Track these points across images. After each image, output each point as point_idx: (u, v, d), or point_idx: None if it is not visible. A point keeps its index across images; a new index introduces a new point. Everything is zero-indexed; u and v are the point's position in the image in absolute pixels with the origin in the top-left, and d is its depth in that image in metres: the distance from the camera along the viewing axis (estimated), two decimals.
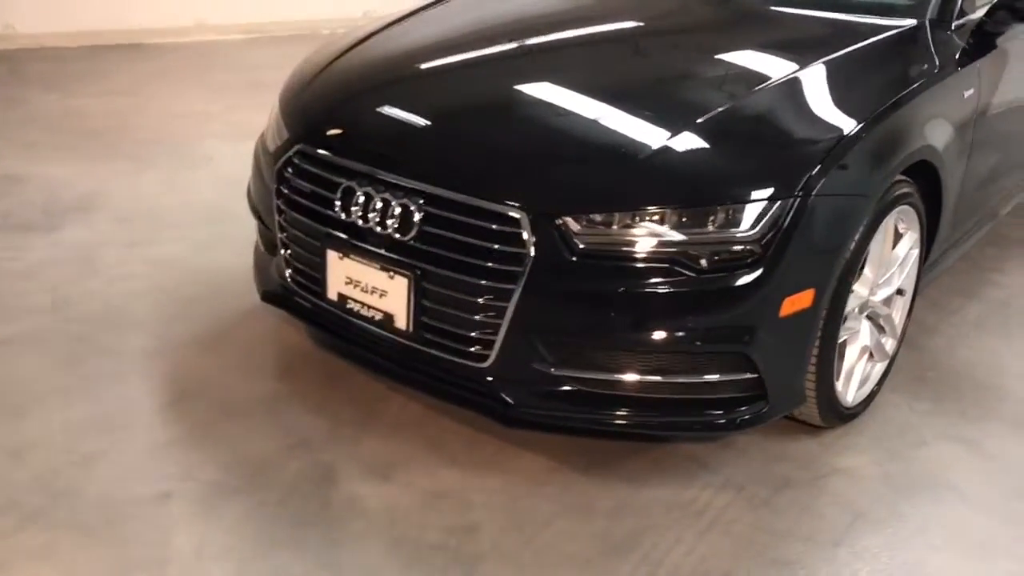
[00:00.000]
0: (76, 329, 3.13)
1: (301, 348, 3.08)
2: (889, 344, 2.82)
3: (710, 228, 2.23)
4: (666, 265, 2.21)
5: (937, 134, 2.67)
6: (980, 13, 3.02)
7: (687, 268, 2.21)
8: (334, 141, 2.61)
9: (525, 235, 2.22)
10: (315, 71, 2.94)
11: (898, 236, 2.70)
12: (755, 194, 2.24)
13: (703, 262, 2.21)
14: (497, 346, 2.31)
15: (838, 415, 2.66)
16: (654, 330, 2.24)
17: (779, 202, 2.23)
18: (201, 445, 2.60)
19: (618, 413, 2.35)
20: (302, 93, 2.86)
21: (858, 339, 2.67)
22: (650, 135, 2.37)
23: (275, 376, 2.94)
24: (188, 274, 3.54)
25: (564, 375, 2.32)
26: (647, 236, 2.22)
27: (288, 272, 2.72)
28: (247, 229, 3.86)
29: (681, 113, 2.47)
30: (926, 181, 2.70)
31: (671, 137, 2.34)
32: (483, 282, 2.28)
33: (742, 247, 2.22)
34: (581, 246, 2.22)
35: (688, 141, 2.34)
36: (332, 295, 2.57)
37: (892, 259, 2.70)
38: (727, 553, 2.27)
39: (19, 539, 2.24)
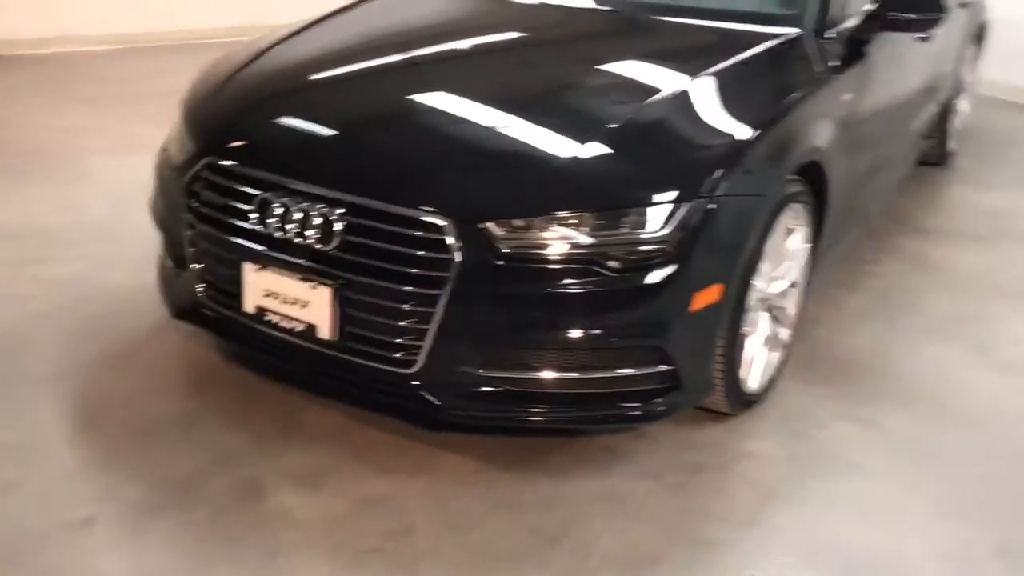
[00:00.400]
0: None
1: (211, 364, 3.04)
2: (784, 334, 3.00)
3: (624, 230, 2.33)
4: (585, 266, 2.30)
5: (823, 136, 2.86)
6: (852, 23, 3.24)
7: (605, 268, 2.31)
8: (247, 153, 2.61)
9: (450, 241, 2.28)
10: (220, 81, 2.92)
11: (789, 232, 2.88)
12: (664, 197, 2.36)
13: (619, 262, 2.32)
14: (424, 351, 2.36)
15: (742, 402, 2.82)
16: (576, 328, 2.33)
17: (687, 204, 2.36)
18: (120, 466, 2.55)
19: (543, 410, 2.43)
20: (208, 104, 2.84)
21: (758, 330, 2.83)
22: (562, 143, 2.46)
23: (188, 393, 2.90)
24: (86, 293, 3.44)
25: (491, 376, 2.39)
26: (565, 239, 2.31)
27: (200, 287, 2.70)
28: (142, 246, 3.80)
29: (590, 122, 2.58)
30: (812, 180, 2.89)
31: (583, 145, 2.44)
32: (409, 288, 2.33)
33: (654, 247, 2.33)
34: (505, 250, 2.29)
35: (599, 149, 2.44)
36: (249, 308, 2.57)
37: (786, 254, 2.88)
38: (652, 537, 2.38)
39: None
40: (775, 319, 2.93)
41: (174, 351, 3.11)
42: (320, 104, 2.78)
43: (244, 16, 7.58)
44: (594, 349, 2.38)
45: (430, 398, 2.42)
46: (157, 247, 3.23)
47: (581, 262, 2.31)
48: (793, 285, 2.99)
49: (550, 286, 2.30)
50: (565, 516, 2.44)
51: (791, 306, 3.01)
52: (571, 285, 2.30)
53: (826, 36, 3.12)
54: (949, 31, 4.12)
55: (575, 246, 2.31)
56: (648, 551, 2.34)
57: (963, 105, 5.38)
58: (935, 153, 5.12)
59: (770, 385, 2.97)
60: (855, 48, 3.21)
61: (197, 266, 2.68)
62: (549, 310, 2.32)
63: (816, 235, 3.06)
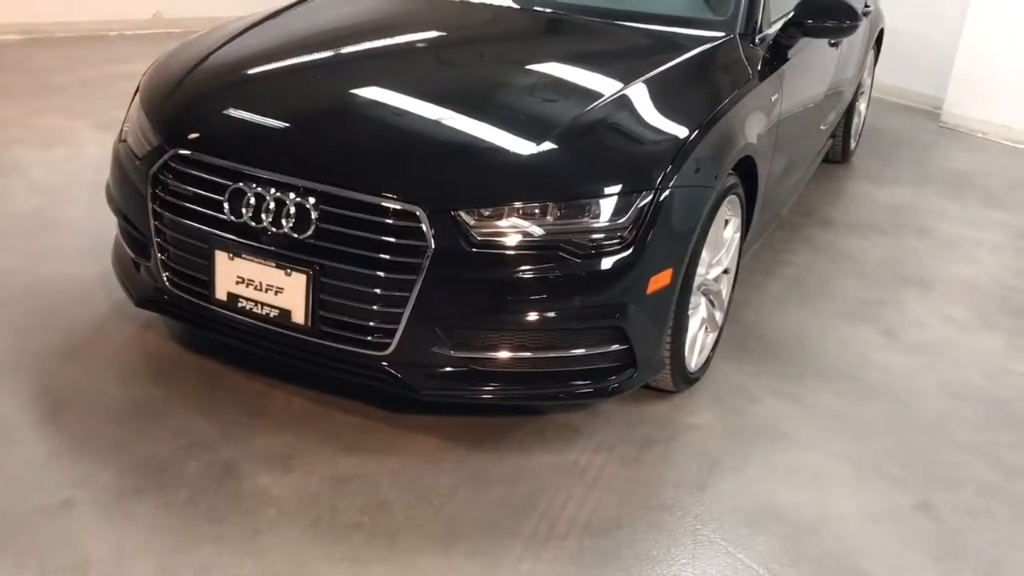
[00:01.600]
0: None
1: (169, 352, 3.08)
2: (718, 316, 3.22)
3: (586, 218, 2.51)
4: (552, 252, 2.47)
5: (755, 133, 3.09)
6: (776, 28, 3.50)
7: (570, 254, 2.48)
8: (216, 143, 2.67)
9: (425, 228, 2.41)
10: (182, 73, 2.97)
11: (726, 223, 3.10)
12: (622, 188, 2.54)
13: (582, 249, 2.49)
14: (398, 334, 2.48)
15: (685, 380, 3.03)
16: (543, 310, 2.49)
17: (643, 194, 2.54)
18: (91, 453, 2.58)
19: (504, 388, 2.59)
20: (172, 96, 2.88)
21: (698, 312, 3.04)
22: (522, 138, 2.61)
23: (149, 381, 2.93)
24: (29, 286, 3.42)
25: (462, 356, 2.52)
26: (534, 227, 2.46)
27: (166, 275, 2.75)
28: (79, 237, 3.81)
29: (545, 118, 2.74)
30: (743, 175, 3.12)
31: (546, 139, 2.60)
32: (384, 275, 2.44)
33: (614, 234, 2.51)
34: (476, 237, 2.43)
35: (561, 143, 2.61)
36: (221, 295, 2.64)
37: (722, 242, 3.10)
38: (613, 504, 2.56)
39: None
40: (711, 303, 3.15)
41: (129, 340, 3.13)
42: (289, 94, 2.87)
43: (164, 5, 7.48)
44: (558, 330, 2.54)
45: (402, 378, 2.54)
46: (106, 241, 3.26)
47: (547, 248, 2.47)
48: (726, 271, 3.22)
49: (519, 271, 2.45)
50: (531, 488, 2.59)
51: (725, 291, 3.24)
52: (538, 270, 2.46)
53: (753, 40, 3.36)
54: (853, 37, 4.43)
55: (541, 234, 2.47)
56: (610, 516, 2.51)
57: (862, 107, 5.76)
58: (838, 151, 5.48)
59: (707, 364, 3.19)
60: (779, 52, 3.46)
61: (163, 255, 2.73)
62: (518, 293, 2.47)
63: (745, 225, 3.29)
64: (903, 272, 4.26)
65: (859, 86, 5.40)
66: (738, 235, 3.21)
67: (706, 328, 3.14)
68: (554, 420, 2.89)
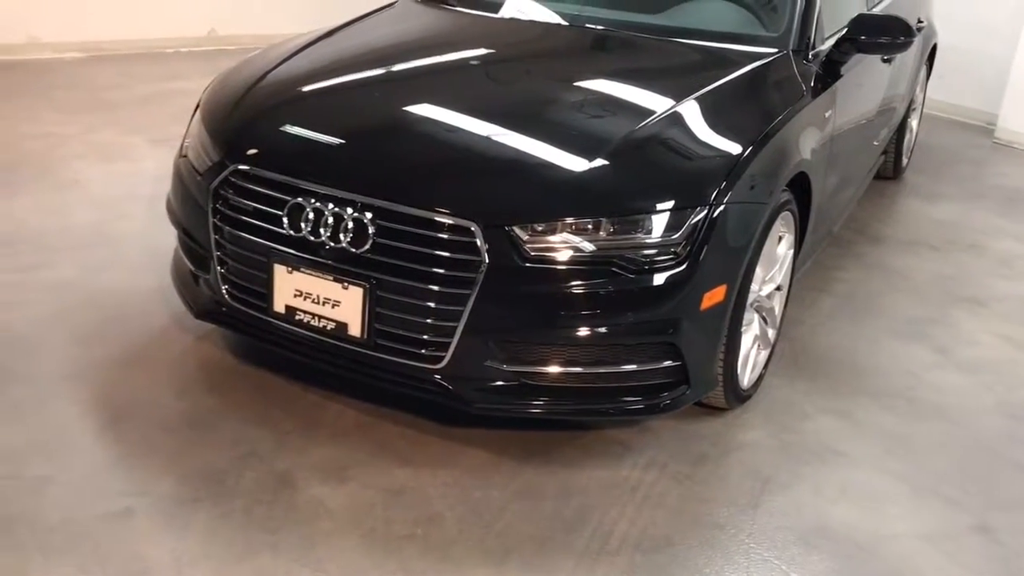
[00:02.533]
0: None
1: (225, 363, 3.14)
2: (771, 333, 3.21)
3: (639, 234, 2.52)
4: (605, 267, 2.48)
5: (809, 149, 3.08)
6: (829, 44, 3.49)
7: (623, 270, 2.49)
8: (276, 161, 2.72)
9: (479, 243, 2.44)
10: (241, 90, 3.03)
11: (779, 239, 3.09)
12: (676, 203, 2.55)
13: (635, 264, 2.50)
14: (452, 348, 2.51)
15: (737, 397, 3.01)
16: (596, 326, 2.50)
17: (697, 210, 2.55)
18: (149, 462, 2.64)
19: (555, 403, 2.60)
20: (232, 113, 2.94)
21: (751, 329, 3.03)
22: (575, 155, 2.63)
23: (205, 391, 2.99)
24: (88, 297, 3.50)
25: (513, 370, 2.54)
26: (587, 243, 2.48)
27: (226, 288, 2.80)
28: (136, 250, 3.89)
29: (598, 135, 2.76)
30: (797, 191, 3.11)
31: (599, 155, 2.62)
32: (438, 288, 2.47)
33: (668, 250, 2.52)
34: (531, 252, 2.45)
35: (613, 160, 2.63)
36: (279, 308, 2.68)
37: (775, 259, 3.09)
38: (664, 521, 2.56)
39: None
40: (764, 320, 3.14)
41: (186, 351, 3.20)
42: (345, 112, 2.93)
43: (203, 26, 7.64)
44: (610, 345, 2.55)
45: (454, 391, 2.56)
46: (164, 255, 3.33)
47: (600, 264, 2.48)
48: (779, 288, 3.20)
49: (571, 286, 2.47)
50: (582, 504, 2.60)
51: (778, 307, 3.23)
52: (591, 285, 2.47)
53: (806, 57, 3.35)
54: (906, 53, 4.40)
55: (594, 249, 2.48)
56: (662, 534, 2.51)
57: (914, 123, 5.70)
58: (889, 167, 5.42)
59: (759, 381, 3.17)
60: (832, 68, 3.45)
61: (222, 268, 2.79)
62: (570, 308, 2.49)
63: (798, 242, 3.28)
64: (955, 290, 4.20)
65: (911, 102, 5.35)
66: (791, 252, 3.20)
67: (759, 345, 3.13)
68: (603, 435, 2.89)
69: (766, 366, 3.22)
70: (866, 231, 4.81)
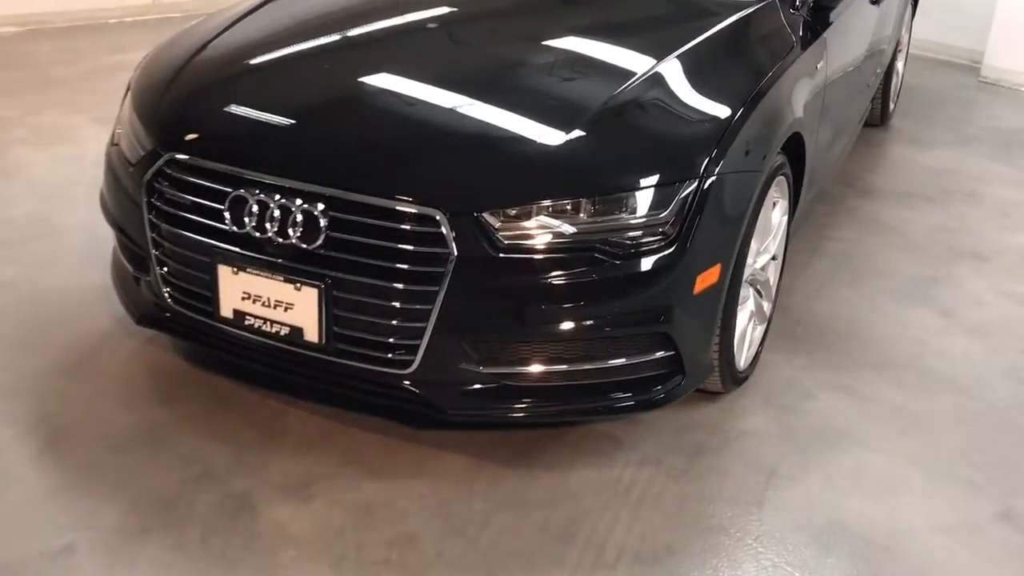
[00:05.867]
0: None
1: (175, 368, 2.87)
2: (766, 307, 2.97)
3: (624, 214, 2.26)
4: (587, 254, 2.22)
5: (802, 106, 2.82)
6: None
7: (607, 255, 2.23)
8: (213, 147, 2.44)
9: (446, 234, 2.17)
10: (173, 70, 2.72)
11: (773, 206, 2.84)
12: (662, 177, 2.29)
13: (621, 248, 2.24)
14: (421, 350, 2.25)
15: (734, 379, 2.78)
16: (581, 318, 2.25)
17: (686, 183, 2.29)
18: (93, 488, 2.38)
19: (540, 404, 2.36)
20: (164, 95, 2.64)
21: (746, 306, 2.80)
22: (546, 128, 2.36)
23: (155, 402, 2.72)
24: (30, 297, 3.21)
25: (492, 372, 2.29)
26: (567, 226, 2.22)
27: (167, 291, 2.53)
28: (80, 243, 3.59)
29: (570, 104, 2.49)
30: (790, 152, 2.85)
31: (574, 127, 2.34)
32: (403, 286, 2.21)
33: (655, 230, 2.26)
34: (504, 241, 2.19)
35: (591, 131, 2.36)
36: (226, 312, 2.41)
37: (770, 227, 2.84)
38: (663, 526, 2.33)
39: None
40: (759, 293, 2.90)
41: (133, 356, 2.92)
42: (291, 88, 2.62)
43: None
44: (597, 339, 2.30)
45: (427, 397, 2.32)
46: (109, 247, 3.04)
47: (581, 250, 2.23)
48: (774, 258, 2.96)
49: (552, 276, 2.21)
50: (572, 511, 2.37)
51: (772, 279, 2.99)
52: (573, 274, 2.22)
53: (793, 5, 3.07)
54: None
55: (575, 233, 2.23)
56: (662, 541, 2.29)
57: (900, 65, 5.44)
58: (876, 114, 5.17)
59: (755, 360, 2.94)
60: (821, 15, 3.18)
61: (162, 269, 2.51)
62: (551, 301, 2.24)
63: (792, 206, 3.03)
64: (955, 244, 3.98)
65: (897, 43, 5.08)
66: (785, 218, 2.95)
67: (754, 321, 2.89)
68: (592, 431, 2.66)
69: (762, 342, 2.99)
70: (856, 183, 4.56)
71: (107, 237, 3.25)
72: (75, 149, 4.57)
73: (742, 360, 2.79)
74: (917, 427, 2.76)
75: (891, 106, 5.36)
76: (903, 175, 4.73)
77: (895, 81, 5.31)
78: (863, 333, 3.24)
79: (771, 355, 3.05)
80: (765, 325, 2.99)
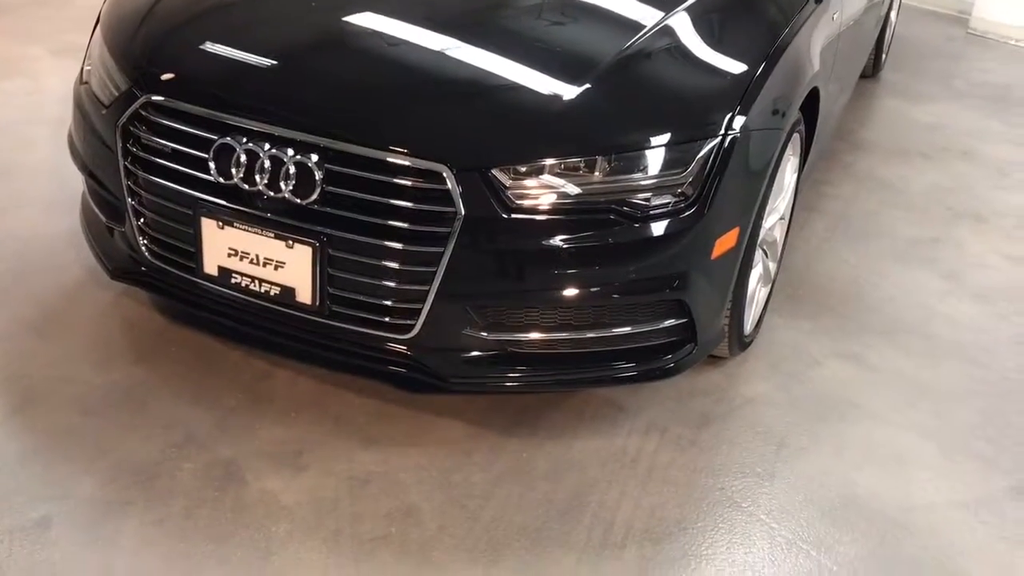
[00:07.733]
0: None
1: (153, 324, 2.70)
2: (772, 267, 2.86)
3: (640, 173, 2.11)
4: (602, 215, 2.08)
5: (819, 60, 2.68)
6: None
7: (622, 216, 2.09)
8: (196, 90, 2.24)
9: (453, 191, 2.01)
10: (149, 2, 2.50)
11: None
12: (681, 135, 2.14)
13: (637, 210, 2.10)
14: (423, 315, 2.11)
15: (741, 345, 2.68)
16: (593, 284, 2.12)
17: (706, 141, 2.15)
18: (68, 456, 2.23)
19: (551, 373, 2.24)
20: (139, 29, 2.42)
21: (757, 268, 2.68)
22: (568, 79, 2.19)
23: (132, 360, 2.56)
24: None
25: (497, 339, 2.16)
26: (580, 186, 2.07)
27: (144, 243, 2.35)
28: (39, 186, 3.37)
29: (593, 52, 2.31)
30: (804, 108, 2.71)
31: (588, 79, 2.18)
32: (404, 247, 2.06)
33: (674, 190, 2.13)
34: (516, 201, 2.04)
35: (606, 85, 2.20)
36: (210, 269, 2.25)
37: (782, 186, 2.72)
38: (673, 499, 2.24)
39: None
40: (766, 253, 2.79)
41: (107, 311, 2.74)
42: (282, 28, 2.41)
43: None
44: (611, 305, 2.17)
45: (428, 365, 2.18)
46: (77, 192, 2.84)
47: (595, 211, 2.09)
48: (782, 218, 2.84)
49: (563, 239, 2.07)
50: (577, 482, 2.26)
51: (780, 238, 2.88)
52: (586, 237, 2.08)
53: None
54: None
55: (588, 193, 2.08)
56: (671, 516, 2.19)
57: (893, 16, 5.30)
58: (868, 65, 5.03)
59: (759, 323, 2.84)
60: None
61: (139, 220, 2.33)
62: (562, 265, 2.09)
63: (801, 164, 2.91)
64: (954, 203, 3.89)
65: None
66: (795, 176, 2.83)
67: (760, 283, 2.78)
68: (593, 396, 2.54)
69: (766, 305, 2.88)
70: (849, 137, 4.45)
71: (73, 180, 3.03)
72: (32, 83, 4.30)
73: (748, 324, 2.69)
74: (927, 398, 2.68)
75: (883, 57, 5.24)
76: (898, 130, 4.62)
77: (888, 32, 5.18)
78: (867, 296, 3.15)
79: (775, 317, 2.95)
80: (770, 286, 2.88)
